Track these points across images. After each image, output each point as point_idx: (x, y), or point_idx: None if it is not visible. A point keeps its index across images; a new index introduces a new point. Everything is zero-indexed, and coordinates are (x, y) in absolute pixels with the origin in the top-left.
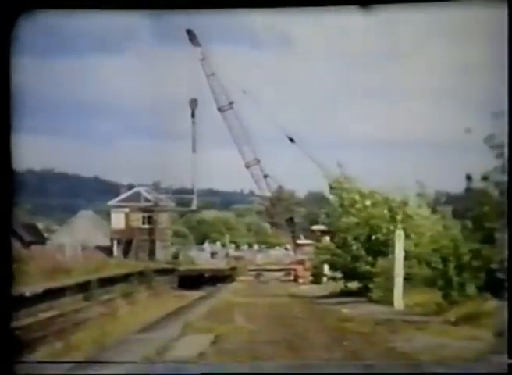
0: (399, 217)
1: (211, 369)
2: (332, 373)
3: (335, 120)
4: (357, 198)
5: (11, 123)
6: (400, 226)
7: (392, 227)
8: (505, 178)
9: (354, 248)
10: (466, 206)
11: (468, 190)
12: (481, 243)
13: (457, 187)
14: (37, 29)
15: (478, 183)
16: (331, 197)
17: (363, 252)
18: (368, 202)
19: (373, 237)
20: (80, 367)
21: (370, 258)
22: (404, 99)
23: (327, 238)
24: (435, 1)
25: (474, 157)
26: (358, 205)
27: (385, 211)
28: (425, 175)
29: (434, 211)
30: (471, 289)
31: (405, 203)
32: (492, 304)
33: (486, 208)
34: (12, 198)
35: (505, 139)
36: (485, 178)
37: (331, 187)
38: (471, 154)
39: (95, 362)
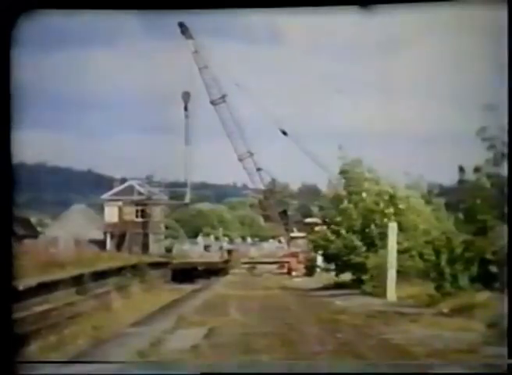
0: (392, 210)
1: (211, 369)
2: (331, 372)
3: (328, 113)
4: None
5: (10, 120)
6: (393, 218)
7: (386, 220)
8: (497, 170)
9: (348, 239)
10: (458, 198)
11: (461, 182)
12: (474, 235)
13: (450, 179)
14: (37, 29)
15: (470, 175)
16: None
17: (358, 243)
18: (364, 195)
19: (367, 230)
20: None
21: (364, 250)
22: (397, 93)
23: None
24: (435, 1)
25: (466, 149)
26: (358, 195)
27: (381, 203)
28: (418, 167)
29: (427, 203)
30: (463, 281)
31: (399, 196)
32: (484, 295)
33: (478, 200)
34: (12, 192)
35: (505, 134)
36: (477, 170)
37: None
38: (463, 146)
39: (91, 363)
